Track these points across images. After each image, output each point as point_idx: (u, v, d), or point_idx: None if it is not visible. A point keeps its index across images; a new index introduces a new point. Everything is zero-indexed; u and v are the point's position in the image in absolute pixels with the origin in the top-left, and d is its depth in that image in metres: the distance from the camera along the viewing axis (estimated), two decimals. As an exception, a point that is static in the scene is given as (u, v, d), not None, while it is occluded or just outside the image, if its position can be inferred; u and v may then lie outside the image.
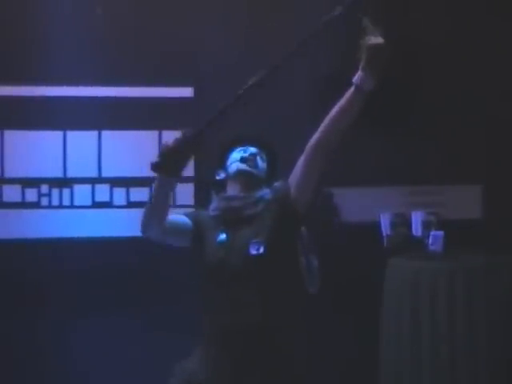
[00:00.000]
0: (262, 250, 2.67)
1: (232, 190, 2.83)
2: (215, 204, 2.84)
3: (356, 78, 2.54)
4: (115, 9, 4.31)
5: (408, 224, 4.43)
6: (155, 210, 2.73)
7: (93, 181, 4.37)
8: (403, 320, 3.94)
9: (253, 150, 2.86)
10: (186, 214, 2.89)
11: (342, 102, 2.60)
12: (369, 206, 4.50)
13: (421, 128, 4.48)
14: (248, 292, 2.66)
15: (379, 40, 2.48)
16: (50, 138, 4.33)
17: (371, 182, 4.49)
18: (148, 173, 2.72)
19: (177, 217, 2.85)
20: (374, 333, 4.09)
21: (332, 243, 4.28)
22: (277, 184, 2.84)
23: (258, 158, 2.86)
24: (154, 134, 4.35)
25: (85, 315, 4.09)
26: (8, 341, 4.12)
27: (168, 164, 2.64)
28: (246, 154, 2.84)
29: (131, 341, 4.10)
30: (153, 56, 4.32)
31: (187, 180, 4.11)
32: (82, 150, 4.35)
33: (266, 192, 2.81)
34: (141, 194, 4.29)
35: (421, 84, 4.47)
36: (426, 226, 4.40)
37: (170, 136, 4.26)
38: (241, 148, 2.87)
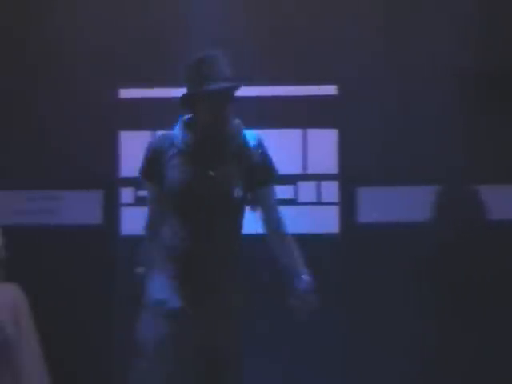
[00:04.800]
0: (240, 194, 2.78)
1: (208, 118, 2.78)
2: (188, 137, 2.83)
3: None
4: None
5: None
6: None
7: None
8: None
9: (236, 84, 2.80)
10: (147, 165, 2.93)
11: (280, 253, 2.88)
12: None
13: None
14: (216, 227, 2.77)
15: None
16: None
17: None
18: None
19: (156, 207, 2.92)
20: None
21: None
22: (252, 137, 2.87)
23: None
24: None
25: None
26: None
27: None
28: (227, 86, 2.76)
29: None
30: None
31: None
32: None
33: (238, 130, 2.85)
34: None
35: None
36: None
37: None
38: (219, 77, 2.76)
